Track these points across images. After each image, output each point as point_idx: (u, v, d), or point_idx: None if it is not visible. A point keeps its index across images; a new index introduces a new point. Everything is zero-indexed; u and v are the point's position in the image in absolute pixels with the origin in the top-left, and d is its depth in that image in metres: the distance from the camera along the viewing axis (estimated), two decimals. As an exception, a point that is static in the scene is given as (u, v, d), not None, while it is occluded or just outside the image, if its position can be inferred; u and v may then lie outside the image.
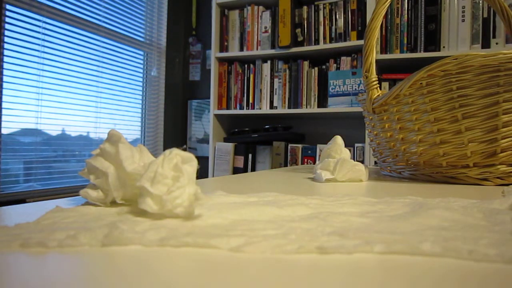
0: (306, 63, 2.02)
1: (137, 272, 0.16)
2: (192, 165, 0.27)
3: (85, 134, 2.20)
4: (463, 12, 1.66)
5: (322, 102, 1.97)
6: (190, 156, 0.28)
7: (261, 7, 2.11)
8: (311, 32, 1.98)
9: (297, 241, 0.20)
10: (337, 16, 1.93)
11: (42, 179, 1.95)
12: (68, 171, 2.11)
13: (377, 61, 1.76)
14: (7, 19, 1.76)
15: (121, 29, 2.35)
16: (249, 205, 0.30)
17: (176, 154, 0.27)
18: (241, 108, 2.15)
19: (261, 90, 2.11)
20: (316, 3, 1.98)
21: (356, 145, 1.90)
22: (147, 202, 0.25)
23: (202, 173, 2.40)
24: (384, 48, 1.78)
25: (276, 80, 2.08)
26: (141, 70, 2.55)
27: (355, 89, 1.85)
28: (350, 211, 0.29)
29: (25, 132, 1.88)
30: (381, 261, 0.18)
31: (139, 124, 2.55)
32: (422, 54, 1.71)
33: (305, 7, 1.99)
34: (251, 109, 2.13)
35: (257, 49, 2.10)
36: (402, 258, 0.19)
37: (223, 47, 2.19)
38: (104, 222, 0.24)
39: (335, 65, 1.97)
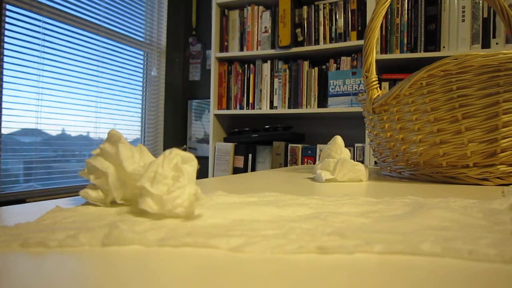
0: (306, 63, 2.02)
1: (137, 272, 0.16)
2: (192, 165, 0.27)
3: (85, 134, 2.20)
4: (463, 12, 1.66)
5: (322, 102, 1.97)
6: (190, 156, 0.28)
7: (261, 7, 2.11)
8: (311, 32, 1.98)
9: (297, 241, 0.20)
10: (337, 16, 1.93)
11: (42, 179, 1.95)
12: (68, 171, 2.11)
13: (377, 61, 1.76)
14: (7, 19, 1.76)
15: (121, 29, 2.35)
16: (249, 205, 0.30)
17: (176, 154, 0.27)
18: (241, 108, 2.15)
19: (261, 90, 2.11)
20: (316, 3, 1.98)
21: (356, 145, 1.90)
22: (147, 202, 0.25)
23: (202, 173, 2.40)
24: (384, 48, 1.78)
25: (276, 80, 2.08)
26: (141, 70, 2.55)
27: (355, 89, 1.85)
28: (350, 211, 0.29)
29: (25, 132, 1.88)
30: (381, 261, 0.18)
31: (139, 124, 2.55)
32: (422, 54, 1.71)
33: (305, 7, 1.99)
34: (251, 109, 2.13)
35: (257, 49, 2.10)
36: (402, 258, 0.19)
37: (223, 47, 2.19)
38: (104, 222, 0.24)
39: (335, 65, 1.97)
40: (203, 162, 2.47)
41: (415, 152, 0.59)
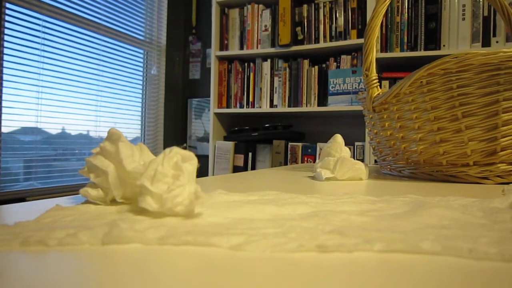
0: (306, 62, 2.01)
1: (137, 271, 0.16)
2: (192, 163, 0.27)
3: (85, 132, 2.20)
4: (464, 10, 1.66)
5: (322, 101, 1.97)
6: (190, 154, 0.28)
7: (261, 6, 2.11)
8: (311, 31, 1.98)
9: (297, 239, 0.20)
10: (337, 14, 1.93)
11: (42, 178, 1.95)
12: (68, 169, 2.11)
13: (377, 59, 1.76)
14: (7, 18, 1.75)
15: (121, 28, 2.35)
16: (249, 204, 0.30)
17: (176, 152, 0.27)
18: (241, 106, 2.15)
19: (261, 88, 2.11)
20: (316, 1, 1.98)
21: (356, 143, 1.90)
22: (147, 201, 0.25)
23: (202, 172, 2.40)
24: (384, 47, 1.78)
25: (276, 78, 2.08)
26: (141, 69, 2.55)
27: (355, 87, 1.85)
28: (350, 209, 0.29)
29: (25, 130, 1.88)
30: (381, 260, 0.18)
31: (139, 122, 2.55)
32: (422, 53, 1.71)
33: (305, 6, 1.99)
34: (251, 107, 2.13)
35: (257, 47, 2.10)
36: (402, 256, 0.19)
37: (223, 46, 2.19)
38: (104, 220, 0.24)
39: (335, 63, 1.96)
40: (203, 160, 2.47)
41: (415, 151, 0.59)
